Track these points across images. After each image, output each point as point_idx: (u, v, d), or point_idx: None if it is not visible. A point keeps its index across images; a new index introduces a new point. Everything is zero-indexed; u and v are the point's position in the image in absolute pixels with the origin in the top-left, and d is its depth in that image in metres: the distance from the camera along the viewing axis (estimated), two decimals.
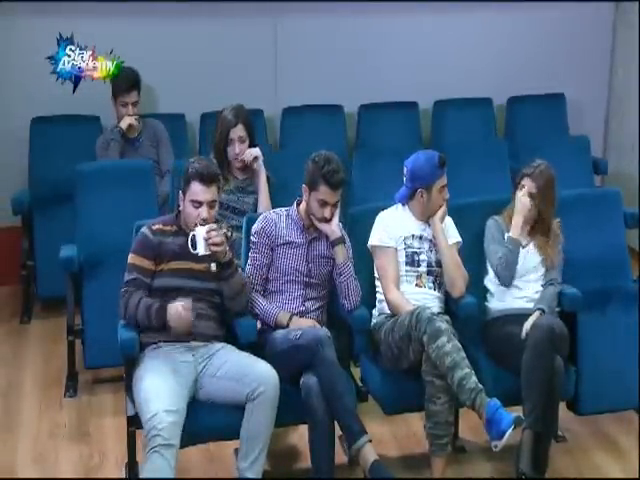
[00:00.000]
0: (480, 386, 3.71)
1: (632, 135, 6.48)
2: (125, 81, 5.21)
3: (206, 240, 3.69)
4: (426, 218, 4.16)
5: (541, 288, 4.20)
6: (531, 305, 4.13)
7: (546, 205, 4.23)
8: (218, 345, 3.81)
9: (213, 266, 3.74)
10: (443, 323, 3.81)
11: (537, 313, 4.04)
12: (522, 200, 4.21)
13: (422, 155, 4.16)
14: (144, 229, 3.85)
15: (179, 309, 3.67)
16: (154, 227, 3.85)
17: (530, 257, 4.23)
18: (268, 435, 3.66)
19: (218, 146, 4.58)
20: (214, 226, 3.74)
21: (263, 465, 3.68)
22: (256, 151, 4.56)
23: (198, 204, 3.77)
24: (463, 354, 3.75)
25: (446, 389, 3.77)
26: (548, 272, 4.22)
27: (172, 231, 3.83)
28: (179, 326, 3.70)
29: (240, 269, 3.91)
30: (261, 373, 3.65)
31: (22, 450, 4.24)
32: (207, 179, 3.76)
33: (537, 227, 4.27)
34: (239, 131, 4.54)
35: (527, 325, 3.98)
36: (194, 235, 3.71)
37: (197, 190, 3.77)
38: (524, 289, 4.20)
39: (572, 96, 6.49)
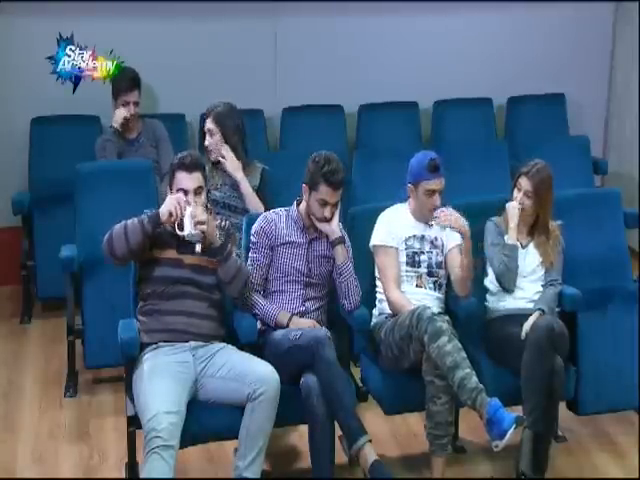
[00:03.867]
0: (481, 386, 3.70)
1: (632, 135, 6.48)
2: (126, 80, 5.20)
3: (192, 218, 3.69)
4: (420, 218, 4.15)
5: (541, 289, 4.20)
6: (531, 305, 4.13)
7: (542, 204, 4.22)
8: (218, 345, 3.80)
9: (197, 247, 3.73)
10: (444, 323, 3.80)
11: (537, 313, 4.04)
12: (511, 205, 4.22)
13: (420, 154, 4.16)
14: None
15: (172, 199, 3.72)
16: None
17: (530, 258, 4.23)
18: (267, 435, 3.66)
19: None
20: (201, 207, 3.76)
21: (261, 465, 3.68)
22: (224, 150, 4.63)
23: (184, 192, 3.79)
24: (464, 354, 3.75)
25: (446, 389, 3.76)
26: (548, 273, 4.22)
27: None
28: (172, 205, 3.71)
29: (236, 254, 3.92)
30: (262, 374, 3.65)
31: (22, 450, 4.24)
32: (190, 166, 3.80)
33: (536, 227, 4.27)
34: (208, 123, 4.65)
35: (527, 325, 3.97)
36: (182, 218, 3.72)
37: (181, 178, 3.81)
38: (524, 290, 4.20)
39: (572, 96, 6.50)
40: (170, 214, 3.72)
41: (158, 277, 3.80)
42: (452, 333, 3.80)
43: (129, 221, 3.74)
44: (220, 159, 4.62)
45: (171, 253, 3.81)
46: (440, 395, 3.78)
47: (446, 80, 6.26)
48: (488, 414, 3.64)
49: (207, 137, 4.66)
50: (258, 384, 3.60)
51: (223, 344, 3.82)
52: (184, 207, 3.72)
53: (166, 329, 3.76)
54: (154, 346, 3.75)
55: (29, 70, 5.57)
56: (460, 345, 3.77)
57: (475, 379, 3.71)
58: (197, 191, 3.81)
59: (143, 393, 3.57)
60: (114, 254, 3.74)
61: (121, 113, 5.21)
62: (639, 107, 6.30)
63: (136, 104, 5.28)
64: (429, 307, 3.92)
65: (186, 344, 3.75)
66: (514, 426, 3.59)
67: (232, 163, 4.60)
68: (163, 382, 3.58)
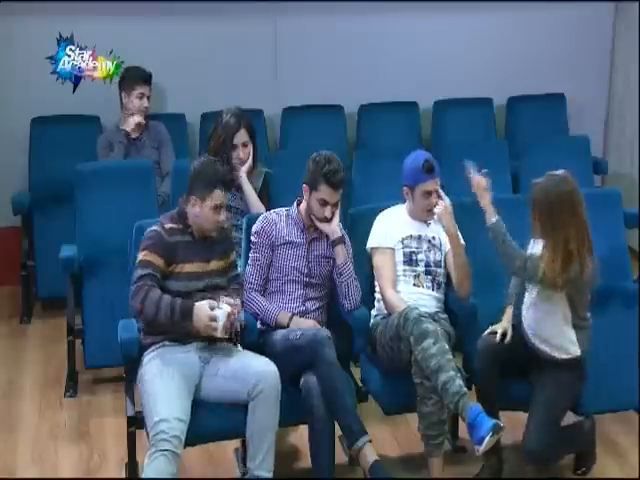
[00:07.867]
0: (464, 390, 3.67)
1: (632, 135, 6.48)
2: (142, 73, 5.26)
3: (225, 325, 3.64)
4: (417, 218, 4.15)
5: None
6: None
7: (547, 226, 3.72)
8: (221, 345, 3.77)
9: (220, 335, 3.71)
10: (430, 324, 3.77)
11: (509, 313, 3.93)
12: (473, 181, 3.97)
13: (415, 154, 4.15)
14: (157, 228, 3.73)
15: (205, 319, 3.60)
16: (167, 226, 3.74)
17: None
18: (274, 431, 3.64)
19: (221, 149, 4.57)
20: (234, 310, 3.67)
21: (273, 462, 3.66)
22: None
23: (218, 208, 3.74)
24: (449, 356, 3.71)
25: (436, 389, 3.73)
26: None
27: (179, 229, 3.76)
28: (203, 330, 3.65)
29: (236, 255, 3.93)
30: (260, 369, 3.64)
31: (22, 450, 4.24)
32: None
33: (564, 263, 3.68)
34: (242, 136, 4.57)
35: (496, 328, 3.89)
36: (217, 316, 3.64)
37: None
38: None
39: (572, 96, 6.50)
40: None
41: (179, 292, 3.70)
42: (440, 334, 3.75)
43: (160, 308, 3.58)
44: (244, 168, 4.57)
45: (191, 267, 3.73)
46: (430, 395, 3.75)
47: (446, 80, 6.26)
48: (469, 419, 3.62)
49: (241, 149, 4.55)
50: (256, 380, 3.59)
51: (225, 343, 3.79)
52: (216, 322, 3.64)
53: (172, 330, 3.71)
54: (160, 344, 3.69)
55: (29, 70, 5.57)
56: (446, 347, 3.73)
57: (459, 382, 3.67)
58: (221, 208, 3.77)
59: (154, 393, 3.54)
60: (144, 318, 3.68)
61: (136, 119, 5.22)
62: (639, 107, 6.30)
63: (149, 98, 5.31)
64: (416, 308, 3.88)
65: (192, 345, 3.72)
66: (491, 433, 3.57)
67: (246, 168, 4.58)
68: (174, 387, 3.54)
